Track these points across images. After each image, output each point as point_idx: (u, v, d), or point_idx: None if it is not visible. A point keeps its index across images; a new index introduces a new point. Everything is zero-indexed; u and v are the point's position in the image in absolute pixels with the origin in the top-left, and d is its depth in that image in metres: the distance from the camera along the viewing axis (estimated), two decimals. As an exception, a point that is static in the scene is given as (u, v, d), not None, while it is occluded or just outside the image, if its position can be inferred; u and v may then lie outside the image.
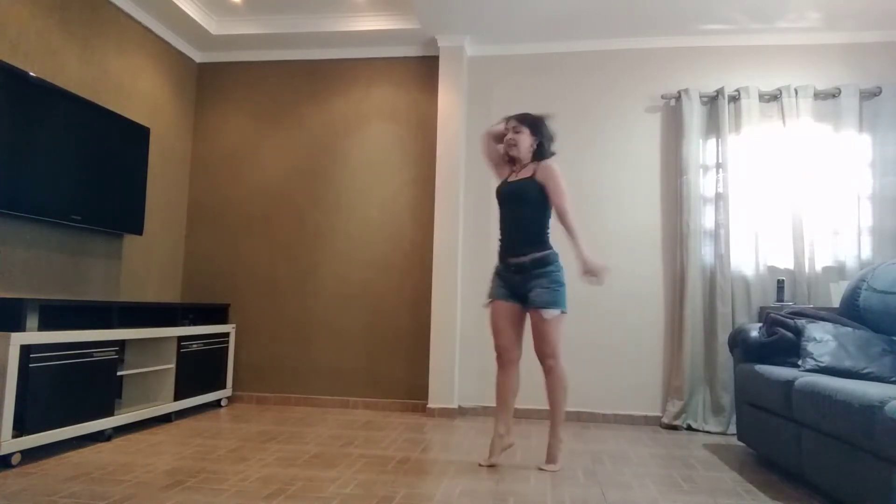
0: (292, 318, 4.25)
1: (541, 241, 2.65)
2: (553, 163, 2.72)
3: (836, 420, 2.03)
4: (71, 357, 2.76)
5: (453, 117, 4.02)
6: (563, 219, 2.62)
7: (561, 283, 2.61)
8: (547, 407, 2.67)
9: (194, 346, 3.68)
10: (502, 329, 2.70)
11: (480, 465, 2.65)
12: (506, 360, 2.70)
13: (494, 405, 2.76)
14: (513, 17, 3.80)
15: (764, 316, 3.09)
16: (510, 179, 2.77)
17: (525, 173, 2.72)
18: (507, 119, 2.81)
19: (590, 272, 2.56)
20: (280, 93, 4.43)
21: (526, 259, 2.62)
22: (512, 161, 2.81)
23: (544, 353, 2.62)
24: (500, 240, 2.75)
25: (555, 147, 2.82)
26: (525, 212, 2.66)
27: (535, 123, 2.77)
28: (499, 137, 2.83)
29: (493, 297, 2.73)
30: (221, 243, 4.39)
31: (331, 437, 3.18)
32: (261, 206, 4.37)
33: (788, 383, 2.41)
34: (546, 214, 2.68)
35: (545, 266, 2.61)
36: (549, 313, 2.56)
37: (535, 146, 2.75)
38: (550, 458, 2.65)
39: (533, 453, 2.93)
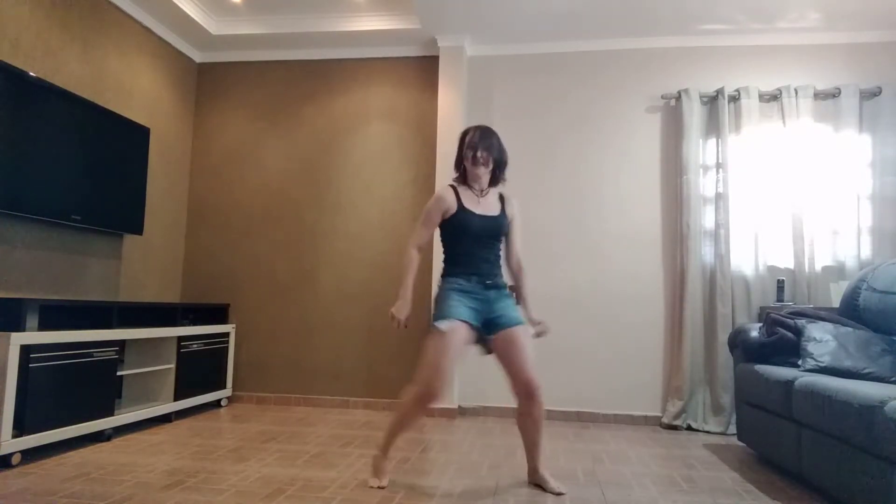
0: (292, 317, 4.25)
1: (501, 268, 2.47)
2: (514, 198, 2.54)
3: (836, 420, 2.03)
4: (71, 357, 2.76)
5: (453, 117, 4.02)
6: (519, 258, 2.52)
7: None
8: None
9: (194, 346, 3.68)
10: (454, 358, 2.22)
11: (373, 487, 2.32)
12: (435, 401, 2.23)
13: (395, 432, 2.36)
14: (513, 17, 3.80)
15: (764, 316, 3.09)
16: (478, 211, 2.39)
17: (492, 206, 2.43)
18: (476, 130, 2.41)
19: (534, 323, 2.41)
20: (280, 93, 4.43)
21: (499, 279, 2.42)
22: (463, 177, 2.46)
23: (531, 375, 2.27)
24: (464, 267, 2.38)
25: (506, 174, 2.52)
26: (498, 246, 2.46)
27: (500, 146, 2.44)
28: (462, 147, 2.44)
29: (457, 316, 2.25)
30: (221, 243, 4.39)
31: (331, 437, 3.18)
32: (261, 206, 4.37)
33: (788, 383, 2.41)
34: None
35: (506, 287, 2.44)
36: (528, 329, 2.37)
37: (493, 175, 2.46)
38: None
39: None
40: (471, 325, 2.28)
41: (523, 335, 2.30)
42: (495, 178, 2.48)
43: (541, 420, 2.33)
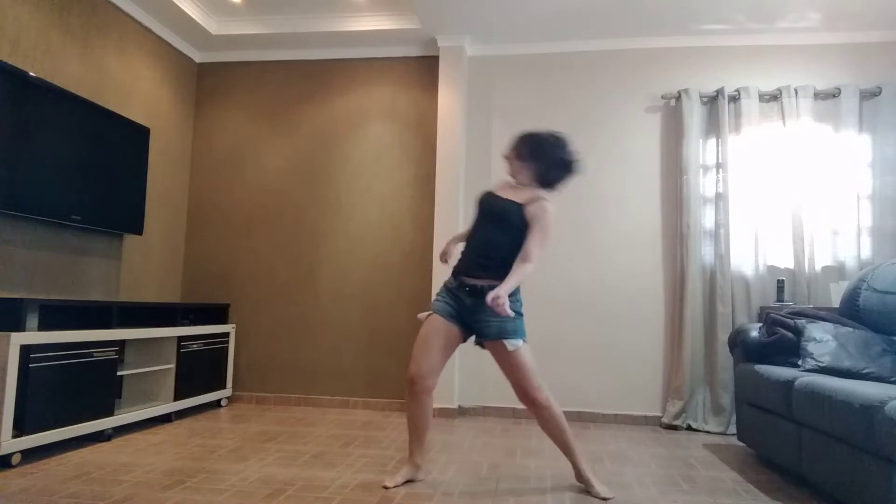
0: (292, 318, 4.25)
1: (505, 266, 2.26)
2: (548, 203, 2.28)
3: (836, 420, 2.03)
4: (71, 357, 2.76)
5: (453, 117, 4.02)
6: (522, 258, 2.23)
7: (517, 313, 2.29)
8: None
9: (194, 346, 3.68)
10: (430, 344, 2.34)
11: (386, 486, 2.33)
12: (420, 387, 2.32)
13: (408, 429, 2.42)
14: (513, 17, 3.80)
15: (764, 316, 3.09)
16: (497, 192, 2.40)
17: (517, 195, 2.34)
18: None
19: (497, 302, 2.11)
20: (280, 93, 4.43)
21: (482, 283, 2.29)
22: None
23: (523, 391, 2.29)
24: (463, 252, 2.40)
25: (560, 176, 2.37)
26: (498, 232, 2.31)
27: (527, 146, 2.36)
28: None
29: (434, 310, 2.38)
30: (221, 243, 4.39)
31: (331, 437, 3.18)
32: (261, 206, 4.37)
33: (788, 383, 2.41)
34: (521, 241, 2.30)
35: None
36: (512, 344, 2.27)
37: (537, 175, 2.36)
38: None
39: (533, 453, 2.93)
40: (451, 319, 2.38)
41: (502, 352, 2.29)
42: (544, 182, 2.37)
43: (548, 428, 2.33)
